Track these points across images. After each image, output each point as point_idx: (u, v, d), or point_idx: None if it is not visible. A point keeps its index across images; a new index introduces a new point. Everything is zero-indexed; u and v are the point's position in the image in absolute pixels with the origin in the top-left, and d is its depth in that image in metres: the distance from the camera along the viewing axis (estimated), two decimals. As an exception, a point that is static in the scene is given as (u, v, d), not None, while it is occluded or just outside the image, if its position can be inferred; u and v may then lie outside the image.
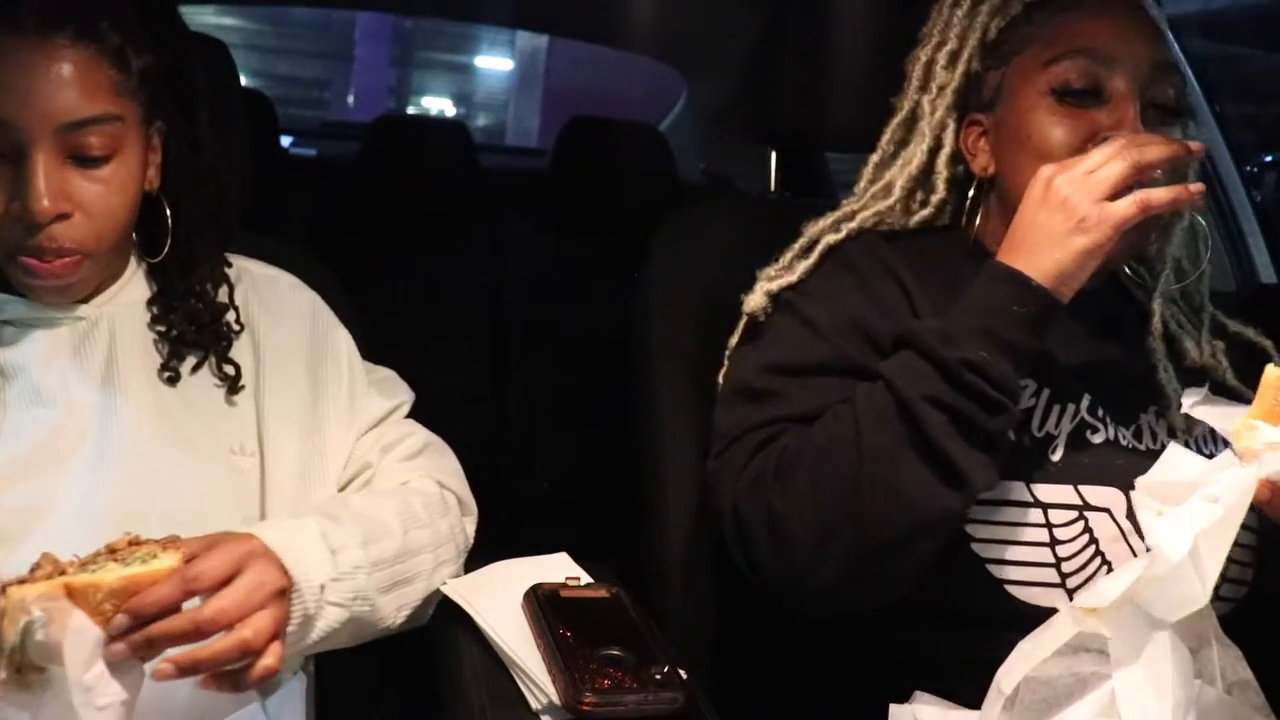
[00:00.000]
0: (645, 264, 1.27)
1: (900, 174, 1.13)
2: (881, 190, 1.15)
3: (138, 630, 0.78)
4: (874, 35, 1.34)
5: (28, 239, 0.91)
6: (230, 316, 1.05)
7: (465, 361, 2.30)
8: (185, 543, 0.83)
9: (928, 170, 1.13)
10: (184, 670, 0.79)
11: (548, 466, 2.27)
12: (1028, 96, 1.05)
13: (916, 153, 1.12)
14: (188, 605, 0.81)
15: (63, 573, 0.77)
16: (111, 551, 0.80)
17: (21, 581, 0.76)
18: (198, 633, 0.80)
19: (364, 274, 1.28)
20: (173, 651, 0.80)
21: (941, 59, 1.12)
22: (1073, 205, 0.90)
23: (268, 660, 0.82)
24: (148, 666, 0.80)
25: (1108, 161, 0.91)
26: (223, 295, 1.05)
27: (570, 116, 2.79)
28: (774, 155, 1.82)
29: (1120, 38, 1.02)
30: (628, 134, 2.70)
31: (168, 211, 1.02)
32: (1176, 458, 0.91)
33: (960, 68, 1.10)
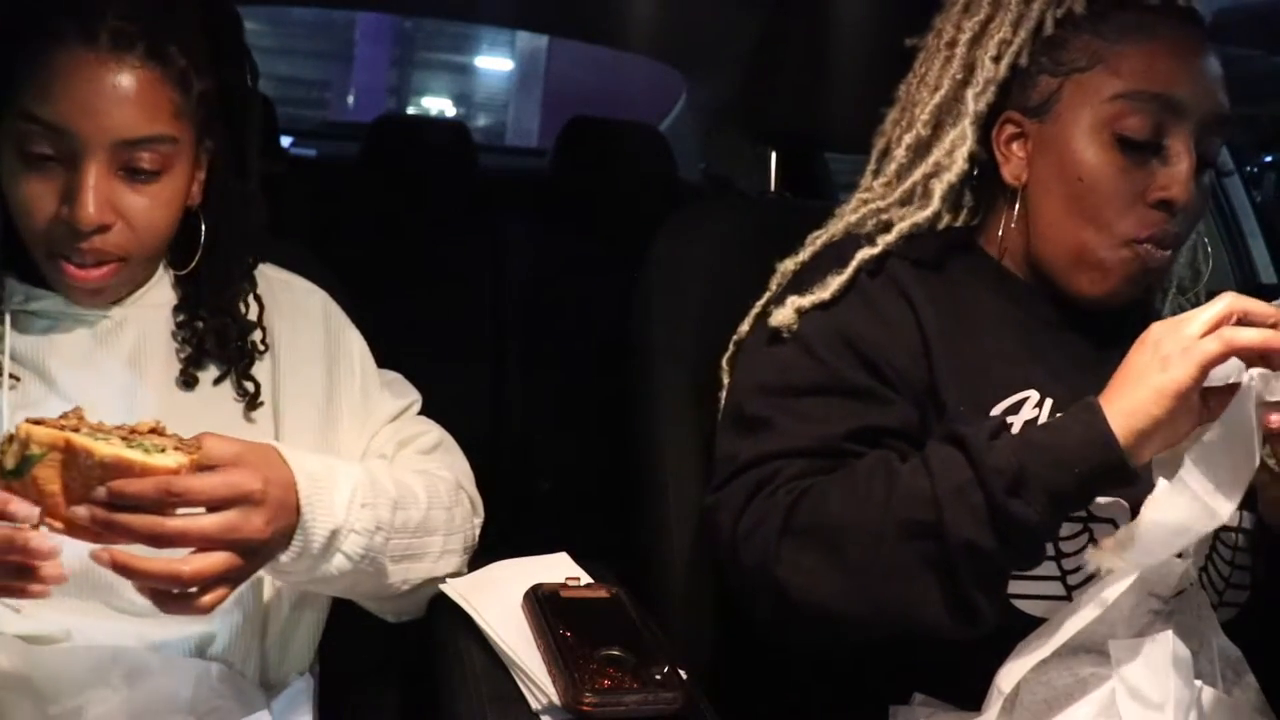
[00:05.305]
0: (645, 264, 1.27)
1: (939, 181, 1.04)
2: (917, 196, 1.06)
3: (106, 508, 0.77)
4: (874, 35, 1.34)
5: (70, 244, 0.93)
6: (257, 336, 1.06)
7: (465, 361, 2.29)
8: (208, 450, 0.81)
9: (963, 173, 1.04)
10: (116, 567, 0.78)
11: (548, 466, 2.27)
12: (1084, 126, 0.99)
13: (959, 157, 1.03)
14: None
15: (76, 429, 0.78)
16: (131, 431, 0.80)
17: (39, 422, 0.78)
18: (154, 541, 0.79)
19: (364, 274, 1.28)
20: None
21: (990, 48, 1.02)
22: (1161, 343, 0.85)
23: (202, 600, 0.81)
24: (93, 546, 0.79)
25: (1206, 308, 0.86)
26: (253, 314, 1.06)
27: (570, 117, 2.79)
28: (774, 155, 1.82)
29: (1192, 85, 0.97)
30: (628, 134, 2.71)
31: (202, 227, 1.03)
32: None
33: (1007, 60, 1.02)
